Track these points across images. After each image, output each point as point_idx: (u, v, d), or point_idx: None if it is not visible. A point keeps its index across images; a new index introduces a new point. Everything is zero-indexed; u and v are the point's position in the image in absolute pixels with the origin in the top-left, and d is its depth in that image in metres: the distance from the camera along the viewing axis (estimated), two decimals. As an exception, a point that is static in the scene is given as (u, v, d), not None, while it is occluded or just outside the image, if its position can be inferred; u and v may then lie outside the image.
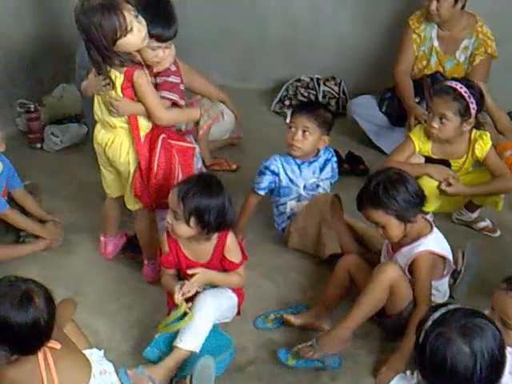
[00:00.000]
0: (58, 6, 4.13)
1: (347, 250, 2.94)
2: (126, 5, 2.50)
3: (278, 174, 3.08)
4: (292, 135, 3.03)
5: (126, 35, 2.48)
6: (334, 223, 2.98)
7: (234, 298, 2.64)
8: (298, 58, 4.67)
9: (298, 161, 3.10)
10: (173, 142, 2.75)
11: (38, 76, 4.25)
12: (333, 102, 4.48)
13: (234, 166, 3.84)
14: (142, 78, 2.55)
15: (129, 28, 2.48)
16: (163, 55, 2.75)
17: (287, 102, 4.52)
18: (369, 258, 2.85)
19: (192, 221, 2.41)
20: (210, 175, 2.61)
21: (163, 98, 2.76)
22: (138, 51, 2.64)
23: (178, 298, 2.45)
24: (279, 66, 4.73)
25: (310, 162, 3.12)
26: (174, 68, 2.92)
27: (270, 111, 4.57)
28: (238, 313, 2.71)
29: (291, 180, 3.10)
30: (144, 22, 2.54)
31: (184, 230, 2.45)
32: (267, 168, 3.08)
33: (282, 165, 3.09)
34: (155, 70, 2.80)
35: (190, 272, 2.53)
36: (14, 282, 1.96)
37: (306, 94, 4.49)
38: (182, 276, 2.61)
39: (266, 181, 3.09)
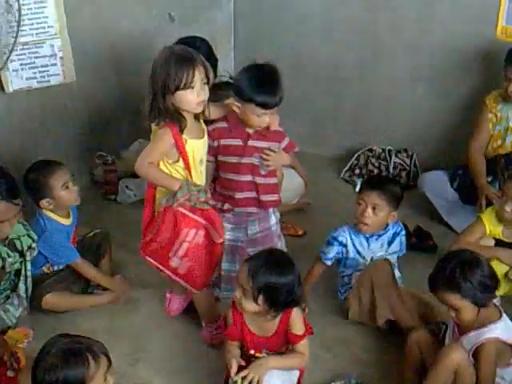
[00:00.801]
0: (138, 68, 4.30)
1: (399, 317, 2.90)
2: (200, 67, 2.59)
3: (345, 246, 3.09)
4: (361, 211, 3.03)
5: (186, 89, 2.56)
6: (386, 289, 2.93)
7: (297, 373, 2.62)
8: (371, 128, 4.71)
9: (367, 235, 3.10)
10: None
11: (118, 131, 4.41)
12: (403, 174, 4.47)
13: (301, 232, 3.86)
14: (160, 133, 2.62)
15: (192, 85, 2.56)
16: (269, 120, 2.81)
17: (357, 171, 4.54)
18: (433, 329, 2.78)
19: (260, 298, 2.40)
20: (281, 251, 2.59)
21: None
22: (245, 118, 2.75)
23: (234, 377, 2.45)
24: (352, 134, 4.78)
25: (379, 236, 3.11)
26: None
27: (339, 179, 4.59)
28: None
29: (359, 252, 3.09)
30: (207, 93, 2.62)
31: (251, 306, 2.43)
32: (335, 239, 3.09)
33: (351, 237, 3.09)
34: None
35: (252, 352, 2.54)
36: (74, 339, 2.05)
37: (376, 165, 4.51)
38: (245, 349, 2.60)
39: (333, 251, 3.09)
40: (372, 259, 3.09)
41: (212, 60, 3.60)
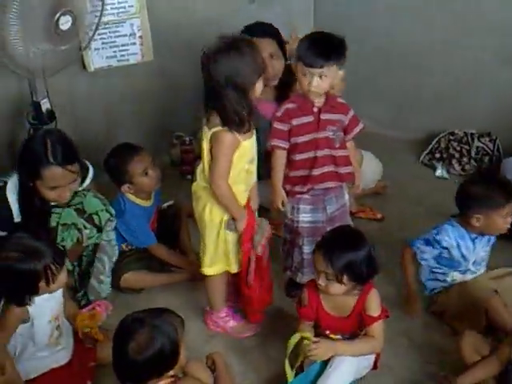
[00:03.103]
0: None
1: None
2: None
3: (447, 249, 2.90)
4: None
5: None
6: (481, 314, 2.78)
7: (373, 356, 2.58)
8: (454, 112, 4.54)
9: (473, 235, 2.89)
10: None
11: (195, 110, 4.41)
12: (486, 159, 4.32)
13: (379, 216, 3.78)
14: (227, 140, 2.48)
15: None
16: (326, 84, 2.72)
17: (437, 155, 4.41)
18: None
19: (345, 278, 2.39)
20: (348, 227, 2.57)
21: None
22: (299, 81, 2.70)
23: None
24: (433, 117, 4.62)
25: (483, 235, 2.92)
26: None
27: (419, 162, 4.47)
28: (375, 367, 2.64)
29: (463, 256, 2.91)
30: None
31: (339, 288, 2.43)
32: (438, 242, 2.88)
33: (457, 242, 2.87)
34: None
35: (328, 333, 2.53)
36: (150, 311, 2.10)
37: (458, 149, 4.36)
38: (320, 330, 2.57)
39: (431, 253, 2.92)
40: (474, 261, 2.93)
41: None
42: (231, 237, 2.69)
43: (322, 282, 2.44)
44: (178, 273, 3.27)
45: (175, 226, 3.40)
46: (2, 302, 2.45)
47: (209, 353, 2.40)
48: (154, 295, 3.12)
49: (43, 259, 2.32)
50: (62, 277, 2.41)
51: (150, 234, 3.22)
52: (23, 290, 2.35)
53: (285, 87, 3.54)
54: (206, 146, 2.55)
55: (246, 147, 2.56)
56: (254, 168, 2.69)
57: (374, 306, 2.50)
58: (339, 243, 2.41)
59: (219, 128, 2.48)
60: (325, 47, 2.67)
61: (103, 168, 3.18)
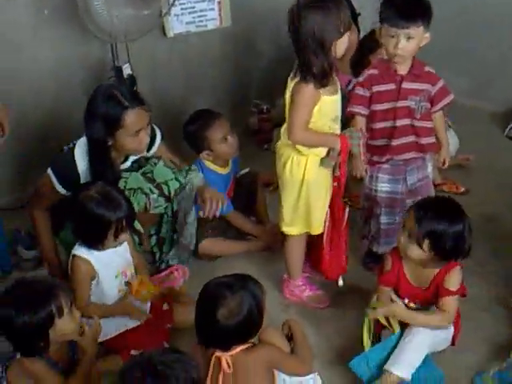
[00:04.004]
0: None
1: None
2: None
3: None
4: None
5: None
6: None
7: (451, 329, 2.51)
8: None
9: None
10: None
11: (274, 78, 4.36)
12: None
13: (462, 189, 3.65)
14: (304, 90, 2.46)
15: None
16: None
17: (524, 129, 4.23)
18: None
19: (425, 244, 2.32)
20: (452, 200, 2.46)
21: None
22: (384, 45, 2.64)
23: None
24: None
25: None
26: None
27: (503, 136, 4.30)
28: (453, 343, 2.57)
29: None
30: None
31: (416, 252, 2.36)
32: None
33: None
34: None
35: (406, 301, 2.49)
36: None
37: (546, 122, 4.18)
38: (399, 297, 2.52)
39: None
40: None
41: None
42: (313, 196, 2.65)
43: (403, 239, 2.39)
44: (254, 241, 3.27)
45: (251, 195, 3.39)
46: (71, 258, 2.56)
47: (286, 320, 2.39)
48: (230, 263, 3.12)
49: (119, 211, 2.45)
50: (126, 236, 2.53)
51: (228, 201, 3.22)
52: (94, 232, 2.47)
53: (358, 62, 3.51)
54: (288, 97, 2.54)
55: (328, 103, 2.52)
56: (337, 128, 2.63)
57: (453, 281, 2.43)
58: (436, 208, 2.35)
59: (301, 80, 2.47)
60: (412, 7, 2.59)
61: (182, 134, 3.19)
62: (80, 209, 2.49)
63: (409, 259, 2.44)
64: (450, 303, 2.43)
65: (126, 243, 2.63)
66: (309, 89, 2.45)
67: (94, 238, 2.51)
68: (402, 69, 2.71)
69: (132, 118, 2.67)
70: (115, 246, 2.56)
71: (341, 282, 2.90)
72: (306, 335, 2.34)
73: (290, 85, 2.53)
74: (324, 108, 2.51)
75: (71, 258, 2.56)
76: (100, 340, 2.46)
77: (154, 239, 3.08)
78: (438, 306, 2.44)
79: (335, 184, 2.67)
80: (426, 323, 2.43)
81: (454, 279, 2.43)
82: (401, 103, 2.73)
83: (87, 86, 3.40)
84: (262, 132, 4.18)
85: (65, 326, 2.15)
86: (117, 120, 2.66)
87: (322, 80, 2.45)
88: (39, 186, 2.84)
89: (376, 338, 2.49)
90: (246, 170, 3.46)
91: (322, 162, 2.61)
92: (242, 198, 3.35)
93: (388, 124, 2.76)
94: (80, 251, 2.54)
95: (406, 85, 2.72)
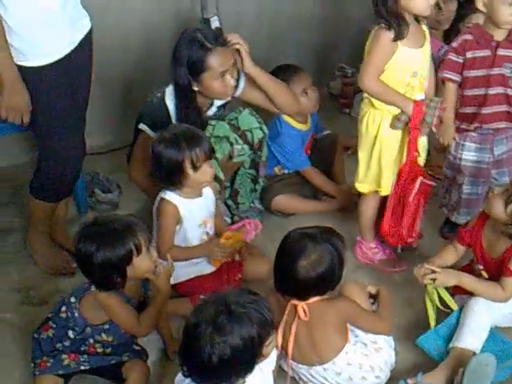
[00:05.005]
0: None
1: None
2: None
3: None
4: None
5: None
6: None
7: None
8: None
9: None
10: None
11: (363, 44, 4.31)
12: None
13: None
14: (379, 38, 2.44)
15: None
16: None
17: None
18: None
19: (510, 207, 2.28)
20: None
21: None
22: (493, 15, 2.55)
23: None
24: None
25: None
26: None
27: None
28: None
29: None
30: None
31: (499, 210, 2.33)
32: None
33: None
34: None
35: (481, 267, 2.44)
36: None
37: None
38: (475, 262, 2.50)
39: None
40: None
41: None
42: (385, 154, 2.63)
43: (496, 190, 2.35)
44: (328, 201, 3.26)
45: (330, 156, 3.37)
46: (158, 200, 2.58)
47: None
48: (304, 221, 3.09)
49: (188, 149, 2.45)
50: (208, 168, 2.50)
51: (304, 157, 3.22)
52: (172, 174, 2.48)
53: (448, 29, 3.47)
54: (367, 46, 2.53)
55: (407, 55, 2.48)
56: (418, 84, 2.57)
57: None
58: None
59: (379, 28, 2.45)
60: None
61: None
62: (152, 152, 2.51)
63: (490, 217, 2.40)
64: (508, 284, 2.36)
65: (212, 194, 2.65)
66: (385, 35, 2.43)
67: (170, 178, 2.51)
68: (499, 35, 2.63)
69: (216, 59, 2.68)
70: (202, 186, 2.56)
71: (399, 250, 2.86)
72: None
73: (372, 32, 2.51)
74: (401, 60, 2.47)
75: (159, 200, 2.58)
76: (172, 283, 2.49)
77: (227, 191, 3.10)
78: (500, 283, 2.39)
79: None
80: (482, 293, 2.38)
81: None
82: (495, 70, 2.65)
83: (176, 37, 3.43)
84: (343, 96, 4.13)
85: (142, 264, 2.18)
86: (201, 62, 2.67)
87: (402, 28, 2.41)
88: (135, 147, 2.86)
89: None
90: (327, 131, 3.44)
91: (391, 121, 2.57)
92: (321, 159, 3.33)
93: (480, 91, 2.69)
94: (168, 195, 2.56)
95: (501, 51, 2.64)
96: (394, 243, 2.81)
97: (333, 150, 3.37)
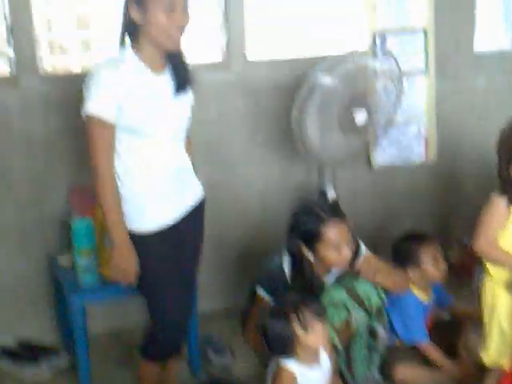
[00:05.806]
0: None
1: None
2: None
3: None
4: None
5: None
6: None
7: None
8: None
9: None
10: None
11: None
12: None
13: None
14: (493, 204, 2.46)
15: None
16: None
17: None
18: None
19: None
20: None
21: None
22: None
23: None
24: None
25: None
26: None
27: None
28: None
29: None
30: None
31: None
32: None
33: None
34: None
35: None
36: None
37: None
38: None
39: None
40: None
41: None
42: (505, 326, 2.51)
43: None
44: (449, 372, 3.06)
45: (453, 339, 3.19)
46: (275, 368, 2.50)
47: None
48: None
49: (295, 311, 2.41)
50: (320, 328, 2.43)
51: (424, 329, 3.09)
52: (282, 345, 2.43)
53: None
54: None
55: None
56: None
57: None
58: None
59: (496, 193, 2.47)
60: None
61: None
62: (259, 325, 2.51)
63: None
64: None
65: (328, 361, 2.58)
66: (498, 201, 2.44)
67: (280, 347, 2.46)
68: None
69: (330, 230, 2.73)
70: (319, 344, 2.49)
71: None
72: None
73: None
74: None
75: (275, 367, 2.51)
76: None
77: (342, 360, 2.98)
78: None
79: None
80: None
81: None
82: None
83: (291, 207, 3.56)
84: (462, 266, 4.02)
85: None
86: (315, 232, 2.73)
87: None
88: (252, 311, 2.87)
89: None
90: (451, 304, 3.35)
91: (509, 286, 2.49)
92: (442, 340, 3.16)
93: None
94: (286, 363, 2.48)
95: None
96: None
97: (457, 333, 3.21)
